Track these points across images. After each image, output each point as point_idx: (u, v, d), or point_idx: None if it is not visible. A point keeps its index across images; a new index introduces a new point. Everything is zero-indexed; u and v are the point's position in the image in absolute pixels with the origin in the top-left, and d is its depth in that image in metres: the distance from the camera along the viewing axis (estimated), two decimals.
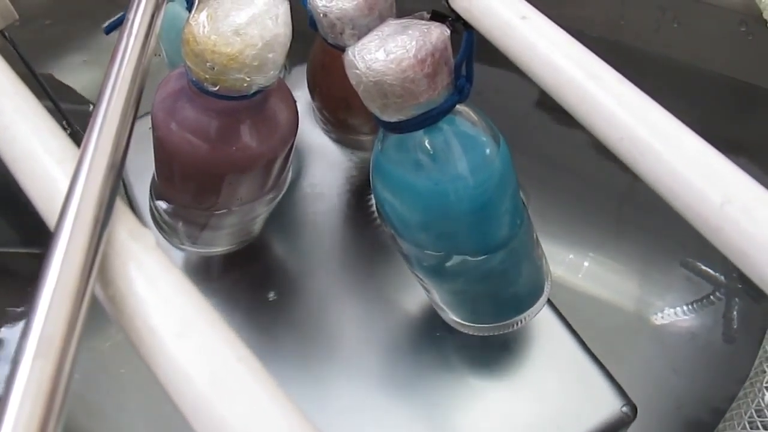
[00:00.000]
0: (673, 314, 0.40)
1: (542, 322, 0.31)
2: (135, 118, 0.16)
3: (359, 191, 0.35)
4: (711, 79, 0.38)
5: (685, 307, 0.40)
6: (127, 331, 0.13)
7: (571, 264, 0.42)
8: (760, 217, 0.13)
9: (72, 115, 0.38)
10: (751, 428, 0.21)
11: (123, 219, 0.14)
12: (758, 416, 0.21)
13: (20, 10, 0.30)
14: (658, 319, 0.40)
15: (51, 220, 0.14)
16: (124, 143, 0.15)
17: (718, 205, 0.13)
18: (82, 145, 0.14)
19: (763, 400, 0.22)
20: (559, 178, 0.45)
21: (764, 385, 0.22)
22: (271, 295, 0.33)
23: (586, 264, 0.42)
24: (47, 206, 0.14)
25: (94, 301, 0.13)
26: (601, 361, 0.30)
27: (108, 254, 0.13)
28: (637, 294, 0.42)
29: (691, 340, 0.39)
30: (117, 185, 0.14)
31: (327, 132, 0.34)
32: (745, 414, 0.22)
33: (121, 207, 0.14)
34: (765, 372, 0.23)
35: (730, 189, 0.13)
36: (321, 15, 0.25)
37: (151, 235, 0.14)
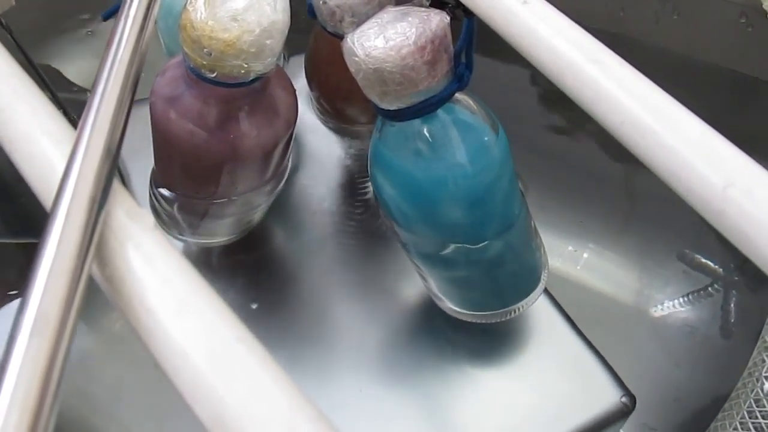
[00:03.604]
0: (672, 306, 0.40)
1: (540, 312, 0.31)
2: (132, 102, 0.16)
3: (357, 180, 0.35)
4: (711, 70, 0.38)
5: (683, 299, 0.40)
6: (124, 311, 0.12)
7: (570, 256, 0.42)
8: (762, 199, 0.13)
9: (69, 104, 0.38)
10: (750, 418, 0.21)
11: (121, 199, 0.14)
12: (757, 406, 0.21)
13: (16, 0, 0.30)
14: (657, 311, 0.41)
15: (47, 200, 0.13)
16: (121, 125, 0.15)
17: (721, 188, 0.13)
18: (79, 126, 0.14)
19: (761, 390, 0.22)
20: (559, 170, 0.45)
21: (763, 374, 0.22)
22: (270, 286, 0.33)
23: (585, 256, 0.43)
24: (44, 186, 0.14)
25: (91, 286, 0.13)
26: (600, 352, 0.30)
27: (105, 234, 0.13)
28: (636, 286, 0.42)
29: (689, 332, 0.39)
30: (114, 166, 0.14)
31: (325, 122, 0.34)
32: (744, 404, 0.22)
33: (118, 188, 0.14)
34: (764, 362, 0.23)
35: (732, 172, 0.13)
36: (320, 2, 0.25)
37: (149, 216, 0.14)
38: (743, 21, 0.35)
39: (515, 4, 0.18)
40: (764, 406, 0.21)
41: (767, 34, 0.31)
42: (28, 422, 0.10)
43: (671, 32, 0.38)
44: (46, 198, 0.14)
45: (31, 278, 0.11)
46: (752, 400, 0.22)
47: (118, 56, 0.16)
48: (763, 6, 0.31)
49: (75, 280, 0.12)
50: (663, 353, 0.39)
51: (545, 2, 0.18)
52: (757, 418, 0.21)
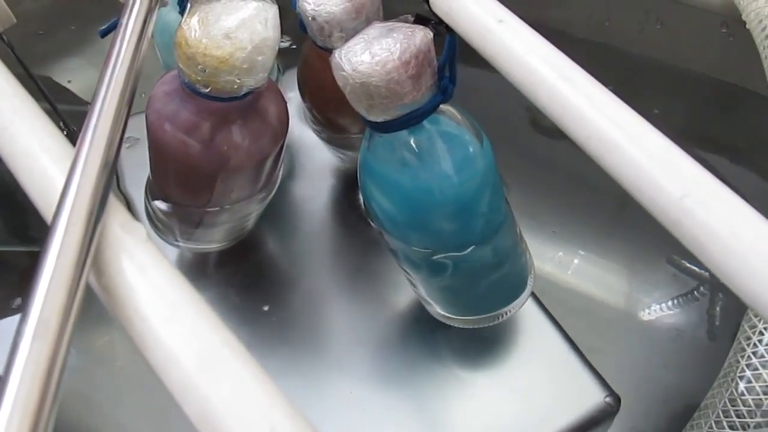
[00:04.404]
0: (660, 310, 0.41)
1: (527, 315, 0.32)
2: (128, 118, 0.17)
3: (349, 189, 0.36)
4: (694, 79, 0.39)
5: (671, 303, 0.41)
6: (119, 318, 0.13)
7: (561, 261, 0.43)
8: (715, 209, 0.13)
9: (69, 116, 0.39)
10: (725, 417, 0.22)
11: (116, 213, 0.15)
12: (731, 405, 0.22)
13: (20, 13, 0.30)
14: (646, 315, 0.41)
15: (48, 215, 0.14)
16: (117, 142, 0.16)
17: (677, 198, 0.14)
18: (77, 144, 0.15)
19: (736, 390, 0.23)
20: (549, 177, 0.45)
21: (738, 375, 0.23)
22: (263, 291, 0.33)
23: (575, 261, 0.43)
24: (44, 202, 0.15)
25: (91, 295, 0.14)
26: (590, 355, 0.31)
27: (101, 246, 0.14)
28: (626, 290, 0.42)
29: (677, 335, 0.40)
30: (110, 181, 0.15)
31: (318, 132, 0.35)
32: (719, 403, 0.23)
33: (113, 202, 0.15)
34: (738, 363, 0.23)
35: (689, 183, 0.14)
36: (310, 18, 0.26)
37: (142, 228, 0.15)
38: (724, 31, 0.36)
39: (491, 21, 0.19)
40: (738, 406, 0.22)
41: (748, 44, 0.32)
42: (31, 419, 0.11)
43: (655, 42, 0.38)
44: (47, 212, 0.14)
45: (32, 286, 0.12)
46: (727, 400, 0.22)
47: (115, 75, 0.17)
48: (743, 17, 0.32)
49: (73, 289, 0.13)
50: (652, 355, 0.40)
51: (520, 21, 0.19)
52: (731, 417, 0.22)
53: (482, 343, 0.31)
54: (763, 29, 0.29)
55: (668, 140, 0.15)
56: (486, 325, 0.30)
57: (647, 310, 0.41)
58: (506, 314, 0.30)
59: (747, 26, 0.31)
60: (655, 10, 0.37)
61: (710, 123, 0.40)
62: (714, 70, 0.38)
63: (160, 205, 0.29)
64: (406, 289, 0.32)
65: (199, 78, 0.22)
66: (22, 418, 0.11)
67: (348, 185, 0.36)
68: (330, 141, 0.35)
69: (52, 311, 0.12)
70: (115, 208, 0.15)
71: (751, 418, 0.22)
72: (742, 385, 0.23)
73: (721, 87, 0.38)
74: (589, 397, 0.30)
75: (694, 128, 0.38)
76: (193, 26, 0.22)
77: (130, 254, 0.14)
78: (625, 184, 0.15)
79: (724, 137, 0.39)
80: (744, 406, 0.22)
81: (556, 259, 0.43)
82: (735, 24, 0.33)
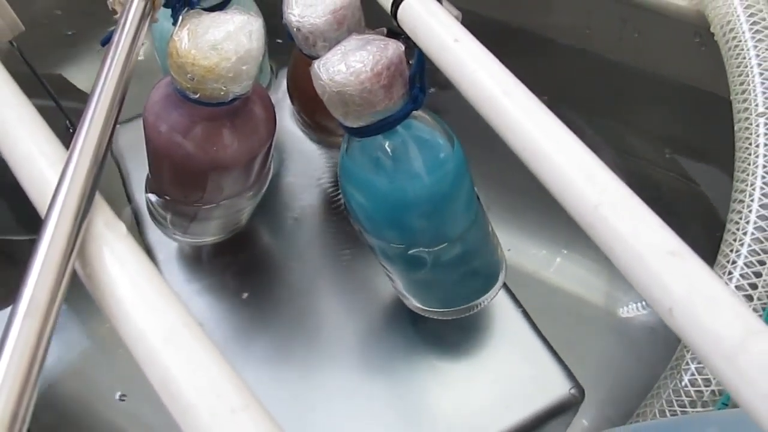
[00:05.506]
0: (637, 309, 0.43)
1: (499, 309, 0.33)
2: (116, 124, 0.19)
3: (335, 187, 0.38)
4: (669, 85, 0.40)
5: (646, 302, 0.42)
6: (98, 301, 0.15)
7: (543, 260, 0.45)
8: (624, 215, 0.15)
9: (78, 114, 0.41)
10: (668, 406, 0.24)
11: (101, 211, 0.17)
12: (675, 396, 0.24)
13: (34, 13, 0.32)
14: (623, 313, 0.43)
15: (43, 211, 0.16)
16: (104, 146, 0.18)
17: (593, 205, 0.16)
18: (70, 148, 0.17)
19: (680, 382, 0.24)
20: (534, 177, 0.47)
21: (683, 368, 0.25)
22: (255, 282, 0.35)
23: (558, 260, 0.45)
24: (40, 200, 0.17)
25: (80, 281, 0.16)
26: (569, 349, 0.32)
27: (86, 240, 0.16)
28: (606, 289, 0.44)
29: (651, 332, 0.42)
30: (97, 183, 0.17)
31: (306, 133, 0.36)
32: (664, 393, 0.25)
33: (99, 201, 0.17)
34: (684, 356, 0.25)
35: (603, 191, 0.16)
36: (295, 29, 0.27)
37: (123, 226, 0.17)
38: (697, 40, 0.37)
39: (448, 40, 0.20)
40: (681, 397, 0.24)
41: (718, 53, 0.33)
42: (21, 382, 0.13)
43: (633, 49, 0.40)
44: (42, 208, 0.17)
45: (25, 272, 0.14)
46: (671, 391, 0.24)
47: (105, 86, 0.19)
48: (711, 28, 0.33)
49: (60, 276, 0.15)
50: (627, 352, 0.41)
51: (474, 41, 0.21)
52: (674, 407, 0.24)
53: (456, 334, 0.33)
54: (727, 42, 0.30)
55: (590, 152, 0.17)
56: (459, 317, 0.31)
57: (625, 308, 0.43)
58: (478, 307, 0.31)
59: (715, 37, 0.33)
60: (633, 19, 0.39)
61: (683, 127, 0.41)
62: (687, 77, 0.39)
63: (155, 199, 0.31)
64: (387, 283, 0.34)
65: (188, 85, 0.24)
66: (13, 382, 0.13)
67: (333, 183, 0.38)
68: (318, 142, 0.37)
69: (41, 294, 0.14)
70: (100, 207, 0.17)
71: (693, 408, 0.23)
72: (686, 378, 0.24)
73: (693, 93, 0.39)
74: (556, 387, 0.31)
75: (668, 132, 0.40)
76: (183, 38, 0.23)
77: (111, 248, 0.16)
78: (552, 190, 0.17)
79: (696, 141, 0.41)
80: (687, 397, 0.24)
81: (539, 258, 0.44)
82: (706, 34, 0.35)
